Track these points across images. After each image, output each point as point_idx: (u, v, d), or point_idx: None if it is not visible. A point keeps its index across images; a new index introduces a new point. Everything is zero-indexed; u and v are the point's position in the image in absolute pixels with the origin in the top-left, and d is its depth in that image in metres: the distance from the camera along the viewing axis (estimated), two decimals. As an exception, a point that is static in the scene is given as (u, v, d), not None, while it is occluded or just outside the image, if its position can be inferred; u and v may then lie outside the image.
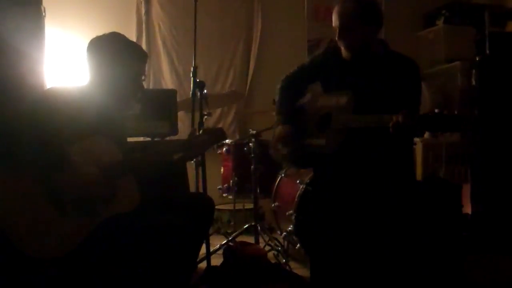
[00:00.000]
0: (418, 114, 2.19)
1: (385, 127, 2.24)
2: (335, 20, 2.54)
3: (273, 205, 3.78)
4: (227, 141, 3.82)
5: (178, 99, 3.72)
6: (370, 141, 2.43)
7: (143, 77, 2.39)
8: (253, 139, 3.64)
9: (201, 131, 2.50)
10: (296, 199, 3.33)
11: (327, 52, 2.75)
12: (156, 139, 3.59)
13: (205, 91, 2.86)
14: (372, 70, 2.54)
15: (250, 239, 3.55)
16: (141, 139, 3.64)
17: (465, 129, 2.11)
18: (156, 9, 5.06)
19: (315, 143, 2.60)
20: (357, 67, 2.57)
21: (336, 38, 2.56)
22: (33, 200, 1.98)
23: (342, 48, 2.60)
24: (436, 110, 2.17)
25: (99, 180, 2.09)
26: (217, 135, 2.49)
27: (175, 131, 3.61)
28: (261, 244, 3.58)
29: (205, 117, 2.89)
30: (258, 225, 3.62)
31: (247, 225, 3.74)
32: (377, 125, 2.30)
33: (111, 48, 2.26)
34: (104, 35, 2.29)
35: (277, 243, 3.61)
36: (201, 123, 2.81)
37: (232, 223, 4.38)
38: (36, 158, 1.96)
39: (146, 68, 2.41)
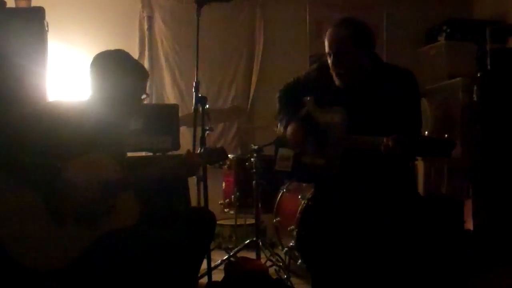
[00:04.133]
0: (407, 139, 2.18)
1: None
2: (328, 46, 2.52)
3: (274, 220, 3.77)
4: (229, 156, 3.82)
5: (180, 114, 3.73)
6: (371, 156, 2.43)
7: (144, 96, 2.41)
8: (255, 154, 3.64)
9: (202, 150, 2.50)
10: (297, 215, 3.32)
11: (320, 68, 2.74)
12: (157, 154, 3.59)
13: (207, 106, 2.86)
14: (363, 87, 2.53)
15: (252, 255, 3.53)
16: (143, 153, 3.64)
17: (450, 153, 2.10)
18: (159, 24, 5.10)
19: (315, 163, 2.60)
20: (348, 87, 2.56)
21: (330, 65, 2.54)
22: (33, 211, 1.99)
23: (334, 76, 2.56)
24: (426, 133, 2.17)
25: (95, 194, 2.09)
26: (217, 155, 2.51)
27: (176, 146, 3.62)
28: (263, 260, 3.55)
29: (207, 132, 2.88)
30: (259, 240, 3.60)
31: (248, 241, 3.72)
32: (371, 147, 2.31)
33: (114, 64, 2.27)
34: (108, 51, 2.31)
35: (279, 259, 3.59)
36: (203, 138, 2.81)
37: (233, 238, 4.35)
38: (35, 169, 1.97)
39: (148, 84, 2.43)
